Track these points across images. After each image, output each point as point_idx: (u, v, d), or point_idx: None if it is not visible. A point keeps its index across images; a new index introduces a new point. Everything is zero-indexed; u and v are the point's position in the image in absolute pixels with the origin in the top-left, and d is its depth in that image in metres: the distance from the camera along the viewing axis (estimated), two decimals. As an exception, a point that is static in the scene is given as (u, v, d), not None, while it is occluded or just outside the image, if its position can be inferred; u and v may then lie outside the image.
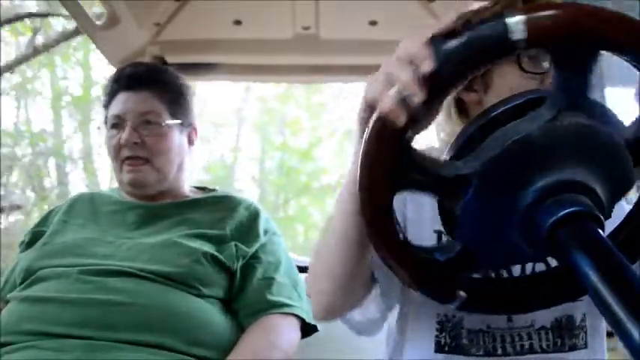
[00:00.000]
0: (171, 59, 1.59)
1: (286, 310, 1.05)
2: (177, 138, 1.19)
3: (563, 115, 0.45)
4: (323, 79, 1.76)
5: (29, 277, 1.03)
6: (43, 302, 0.96)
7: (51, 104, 6.56)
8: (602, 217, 0.44)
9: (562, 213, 0.43)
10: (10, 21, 5.29)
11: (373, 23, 1.48)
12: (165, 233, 1.08)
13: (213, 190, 1.29)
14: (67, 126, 6.66)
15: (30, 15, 5.40)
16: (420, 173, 0.50)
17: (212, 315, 1.01)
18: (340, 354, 1.34)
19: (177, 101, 1.20)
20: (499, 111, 0.50)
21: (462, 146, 0.51)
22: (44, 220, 1.20)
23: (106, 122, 1.20)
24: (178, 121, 1.19)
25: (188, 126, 1.22)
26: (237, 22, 1.50)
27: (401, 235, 0.53)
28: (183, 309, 0.97)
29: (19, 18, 5.33)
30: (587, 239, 0.42)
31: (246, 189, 6.93)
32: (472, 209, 0.47)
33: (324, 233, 0.78)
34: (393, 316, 0.91)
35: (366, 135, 0.50)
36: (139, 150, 1.12)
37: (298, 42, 1.55)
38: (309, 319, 1.08)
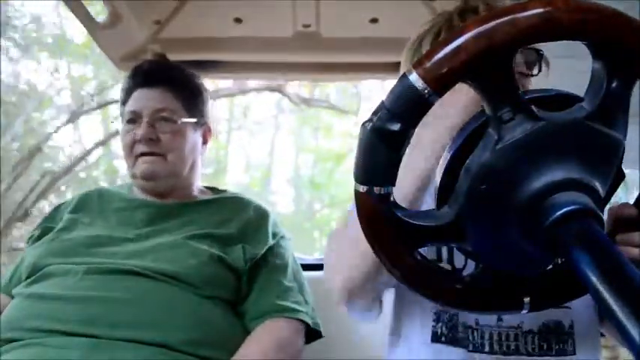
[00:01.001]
0: (172, 57, 1.59)
1: (292, 314, 1.05)
2: (192, 136, 1.20)
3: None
4: (324, 77, 1.75)
5: (35, 273, 1.03)
6: (49, 300, 0.96)
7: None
8: (601, 214, 0.44)
9: (562, 212, 0.43)
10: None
11: (374, 21, 1.48)
12: (173, 233, 1.08)
13: (223, 191, 1.29)
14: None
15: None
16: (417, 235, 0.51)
17: (217, 316, 1.01)
18: (340, 354, 1.34)
19: (192, 100, 1.21)
20: (455, 149, 0.51)
21: (440, 197, 0.52)
22: (53, 215, 1.20)
23: (122, 118, 1.21)
24: (193, 120, 1.20)
25: (203, 125, 1.24)
26: (238, 20, 1.50)
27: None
28: (188, 309, 0.97)
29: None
30: (587, 237, 0.42)
31: (281, 190, 7.24)
32: (479, 234, 0.48)
33: (341, 230, 0.78)
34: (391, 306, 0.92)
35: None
36: (154, 146, 1.14)
37: (299, 40, 1.54)
38: (315, 325, 1.08)
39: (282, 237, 1.17)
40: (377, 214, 0.50)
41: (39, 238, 1.15)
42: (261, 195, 6.66)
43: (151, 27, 1.51)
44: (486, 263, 0.53)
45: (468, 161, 0.48)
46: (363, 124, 0.47)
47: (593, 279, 0.38)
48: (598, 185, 0.47)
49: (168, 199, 1.18)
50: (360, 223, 0.51)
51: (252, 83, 5.94)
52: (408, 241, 0.51)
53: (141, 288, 0.96)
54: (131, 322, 0.92)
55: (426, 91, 0.44)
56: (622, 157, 0.50)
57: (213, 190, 1.29)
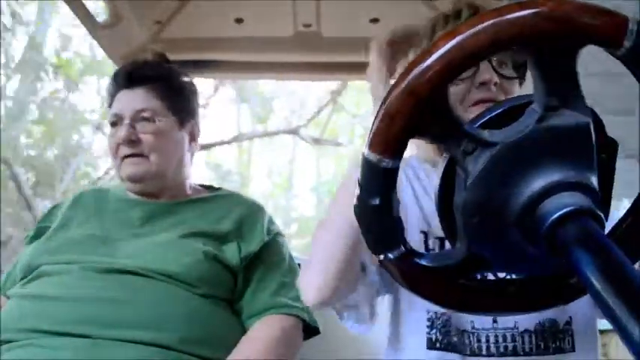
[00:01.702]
0: (172, 57, 1.59)
1: (289, 310, 1.05)
2: (176, 135, 1.18)
3: (550, 115, 0.46)
4: (324, 77, 1.76)
5: (31, 272, 1.03)
6: (44, 300, 0.95)
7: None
8: (602, 214, 0.44)
9: (562, 212, 0.43)
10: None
11: (374, 21, 1.48)
12: (168, 232, 1.08)
13: (218, 189, 1.28)
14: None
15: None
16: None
17: (213, 314, 1.01)
18: (339, 354, 1.34)
19: (175, 98, 1.20)
20: (438, 192, 0.52)
21: (449, 236, 0.53)
22: (49, 215, 1.20)
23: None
24: (175, 118, 1.18)
25: (188, 122, 1.22)
26: (239, 20, 1.50)
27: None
28: (183, 308, 0.96)
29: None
30: (587, 237, 0.42)
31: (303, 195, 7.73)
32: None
33: (320, 230, 0.79)
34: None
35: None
36: (136, 147, 1.13)
37: (299, 40, 1.55)
38: (311, 322, 1.08)
39: (277, 233, 1.16)
40: (404, 273, 0.53)
41: (34, 237, 1.15)
42: (285, 198, 7.16)
43: (151, 27, 1.51)
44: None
45: (454, 199, 0.50)
46: (355, 205, 0.51)
47: (593, 278, 0.38)
48: (587, 178, 0.46)
49: (161, 199, 1.18)
50: (404, 286, 0.54)
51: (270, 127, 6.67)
52: (442, 280, 0.53)
53: (136, 287, 0.96)
54: (127, 322, 0.91)
55: (383, 162, 0.46)
56: (599, 135, 0.49)
57: (208, 188, 1.28)
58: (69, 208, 1.17)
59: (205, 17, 1.50)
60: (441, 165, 0.52)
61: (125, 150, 1.12)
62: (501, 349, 0.83)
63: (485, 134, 0.47)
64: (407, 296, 0.87)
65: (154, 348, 0.90)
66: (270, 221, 1.17)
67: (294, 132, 6.86)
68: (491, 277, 0.78)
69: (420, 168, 0.93)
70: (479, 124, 0.50)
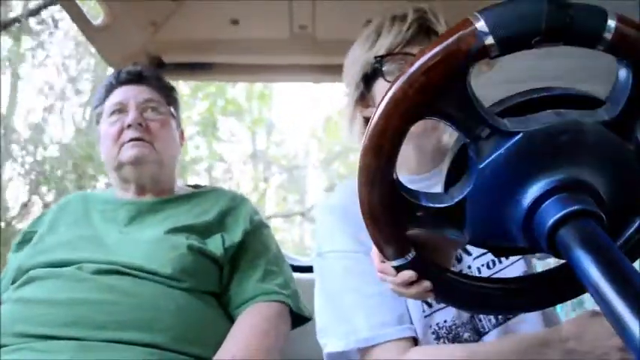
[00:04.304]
0: (168, 59, 1.59)
1: (275, 297, 1.05)
2: (175, 129, 1.24)
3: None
4: (320, 78, 1.75)
5: (20, 276, 1.03)
6: (34, 304, 0.95)
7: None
8: (603, 215, 0.44)
9: (564, 212, 0.43)
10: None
11: (370, 22, 1.48)
12: (154, 229, 1.08)
13: (204, 186, 1.31)
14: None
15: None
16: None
17: (202, 311, 1.01)
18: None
19: (171, 97, 1.26)
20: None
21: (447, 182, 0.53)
22: (36, 221, 1.21)
23: (97, 120, 1.22)
24: (172, 114, 1.24)
25: (179, 122, 1.28)
26: (234, 22, 1.50)
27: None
28: (173, 306, 0.96)
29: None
30: (588, 237, 0.42)
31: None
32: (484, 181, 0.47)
33: None
34: None
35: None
36: (143, 132, 1.15)
37: (295, 41, 1.54)
38: (298, 310, 1.08)
39: (261, 224, 1.17)
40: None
41: (21, 243, 1.16)
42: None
43: (147, 29, 1.51)
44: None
45: (461, 185, 0.50)
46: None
47: (594, 278, 0.38)
48: (593, 180, 0.46)
49: (148, 195, 1.19)
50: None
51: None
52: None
53: (125, 287, 0.96)
54: (117, 323, 0.91)
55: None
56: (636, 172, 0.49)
57: (195, 187, 1.31)
58: (56, 213, 1.18)
59: (201, 19, 1.50)
60: (452, 150, 0.52)
61: (130, 134, 1.14)
62: (493, 320, 0.88)
63: (504, 122, 0.46)
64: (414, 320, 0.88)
65: (144, 348, 0.90)
66: (254, 212, 1.18)
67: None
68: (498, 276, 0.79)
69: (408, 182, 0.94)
70: (499, 110, 0.49)
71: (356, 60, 0.95)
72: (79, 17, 1.36)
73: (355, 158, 0.52)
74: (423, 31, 0.91)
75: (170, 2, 1.46)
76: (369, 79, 0.94)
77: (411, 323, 0.85)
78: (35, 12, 5.74)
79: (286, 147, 8.54)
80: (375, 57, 0.91)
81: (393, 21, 0.92)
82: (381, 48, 0.91)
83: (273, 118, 8.14)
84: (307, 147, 8.57)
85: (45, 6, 5.71)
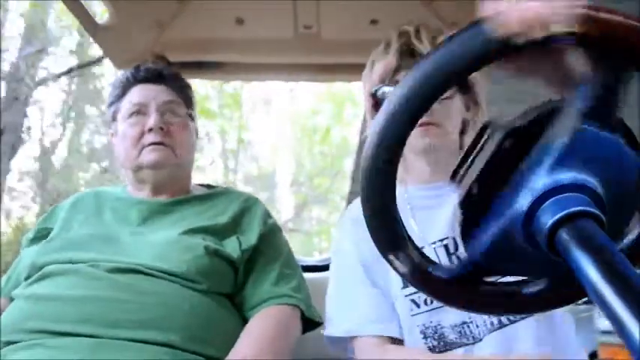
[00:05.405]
0: (173, 58, 1.59)
1: (288, 300, 1.06)
2: (192, 131, 1.24)
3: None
4: (324, 78, 1.76)
5: (34, 273, 1.03)
6: (48, 300, 0.95)
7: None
8: (603, 217, 0.44)
9: (563, 213, 0.43)
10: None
11: (374, 22, 1.49)
12: (168, 229, 1.08)
13: (216, 186, 1.30)
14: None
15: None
16: None
17: (217, 312, 1.01)
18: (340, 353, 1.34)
19: (187, 98, 1.26)
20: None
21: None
22: (49, 216, 1.20)
23: (113, 117, 1.22)
24: (188, 115, 1.24)
25: (194, 122, 1.28)
26: (239, 22, 1.50)
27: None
28: (188, 306, 0.96)
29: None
30: (588, 238, 0.42)
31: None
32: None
33: None
34: None
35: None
36: (164, 136, 1.15)
37: (300, 41, 1.55)
38: (309, 314, 1.08)
39: (274, 225, 1.18)
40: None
41: (34, 239, 1.16)
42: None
43: (152, 28, 1.51)
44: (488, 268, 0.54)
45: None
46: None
47: (593, 279, 0.38)
48: (590, 180, 0.46)
49: (163, 196, 1.19)
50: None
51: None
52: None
53: (140, 286, 0.96)
54: (131, 322, 0.91)
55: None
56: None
57: (207, 187, 1.31)
58: (68, 210, 1.18)
59: (206, 18, 1.50)
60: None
61: (152, 137, 1.14)
62: (488, 325, 0.88)
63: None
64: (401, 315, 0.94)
65: (158, 347, 0.90)
66: (267, 214, 1.19)
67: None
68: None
69: (419, 196, 0.98)
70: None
71: (365, 79, 1.05)
72: (84, 16, 1.37)
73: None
74: (408, 56, 0.96)
75: (175, 2, 1.46)
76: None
77: (399, 324, 0.93)
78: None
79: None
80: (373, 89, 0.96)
81: (385, 48, 1.00)
82: (376, 77, 0.99)
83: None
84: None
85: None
